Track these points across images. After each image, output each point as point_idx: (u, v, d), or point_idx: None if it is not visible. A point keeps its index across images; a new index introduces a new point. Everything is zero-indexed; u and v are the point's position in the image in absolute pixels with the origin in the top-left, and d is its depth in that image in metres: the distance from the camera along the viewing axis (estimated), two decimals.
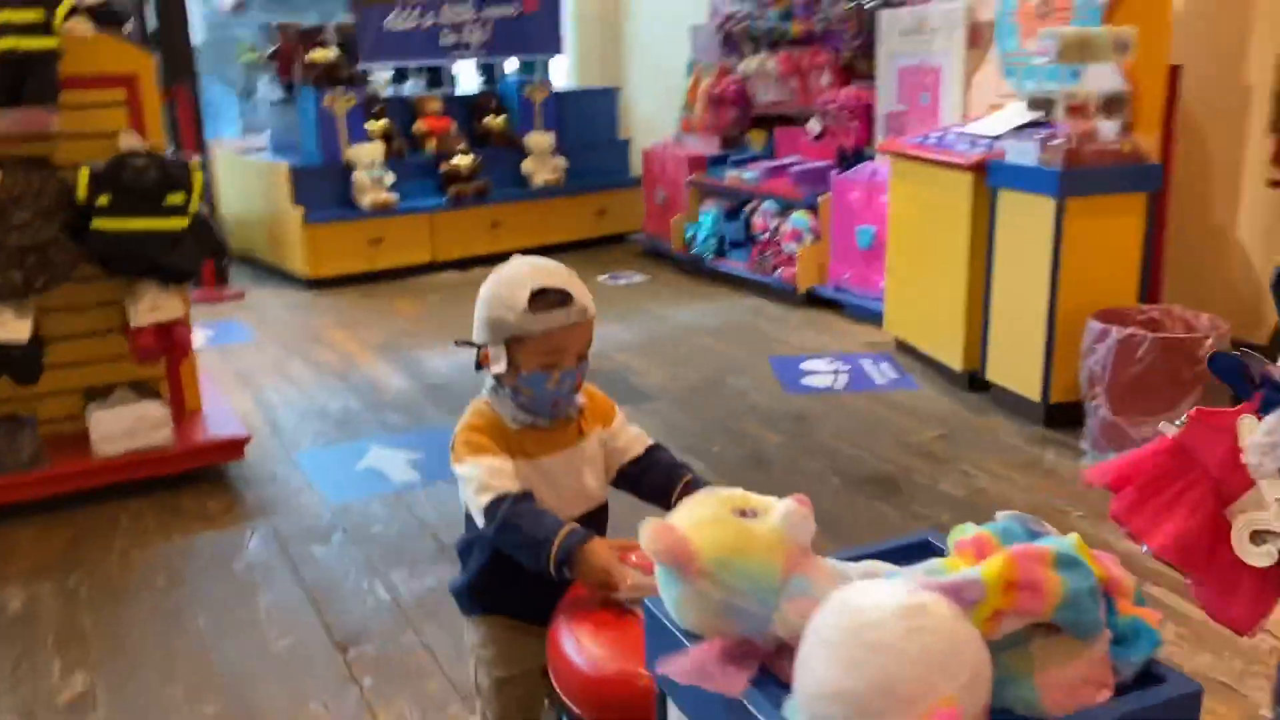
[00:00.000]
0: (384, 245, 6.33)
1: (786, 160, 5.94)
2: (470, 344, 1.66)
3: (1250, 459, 1.27)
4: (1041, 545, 1.01)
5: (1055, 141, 3.54)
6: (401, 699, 2.31)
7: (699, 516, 1.12)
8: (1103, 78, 3.66)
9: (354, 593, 2.76)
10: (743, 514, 1.12)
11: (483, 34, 6.82)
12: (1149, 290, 3.81)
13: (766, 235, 5.75)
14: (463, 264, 6.49)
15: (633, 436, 1.75)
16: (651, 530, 1.10)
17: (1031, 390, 3.76)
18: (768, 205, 5.82)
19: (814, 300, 5.49)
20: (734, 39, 6.31)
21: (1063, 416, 3.69)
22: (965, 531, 1.08)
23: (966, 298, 4.03)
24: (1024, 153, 3.67)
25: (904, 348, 4.63)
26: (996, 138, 3.99)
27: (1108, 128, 3.62)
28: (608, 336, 5.15)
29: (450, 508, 2.82)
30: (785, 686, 1.03)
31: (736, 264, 5.95)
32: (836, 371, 4.43)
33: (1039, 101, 3.67)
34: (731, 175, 6.09)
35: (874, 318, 4.97)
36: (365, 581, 2.81)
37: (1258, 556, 1.26)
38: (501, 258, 1.74)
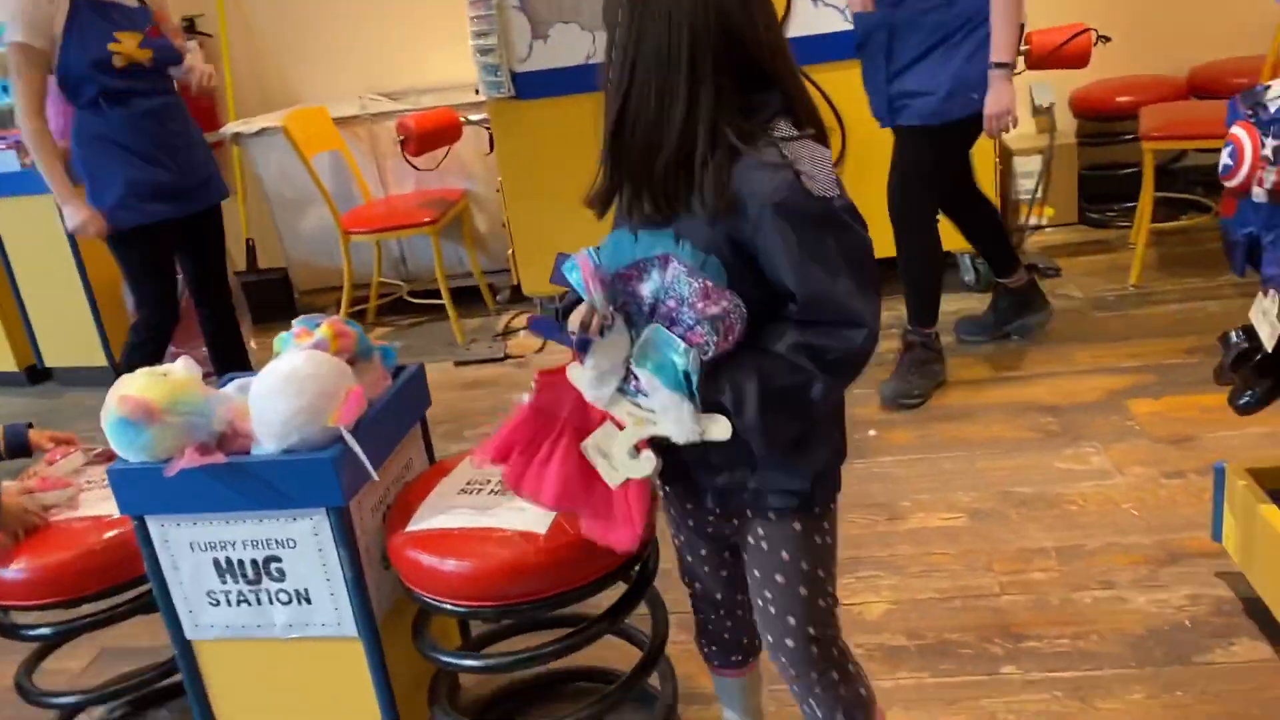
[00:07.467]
0: None
1: None
2: None
3: (589, 395, 1.39)
4: (335, 319, 1.85)
5: None
6: None
7: (139, 385, 1.69)
8: None
9: None
10: (163, 375, 1.73)
11: None
12: None
13: None
14: None
15: None
16: (118, 399, 1.65)
17: None
18: None
19: None
20: None
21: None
22: (291, 331, 1.84)
23: None
24: None
25: None
26: None
27: None
28: None
29: None
30: (237, 452, 1.72)
31: None
32: None
33: None
34: None
35: None
36: None
37: (639, 467, 1.38)
38: None
